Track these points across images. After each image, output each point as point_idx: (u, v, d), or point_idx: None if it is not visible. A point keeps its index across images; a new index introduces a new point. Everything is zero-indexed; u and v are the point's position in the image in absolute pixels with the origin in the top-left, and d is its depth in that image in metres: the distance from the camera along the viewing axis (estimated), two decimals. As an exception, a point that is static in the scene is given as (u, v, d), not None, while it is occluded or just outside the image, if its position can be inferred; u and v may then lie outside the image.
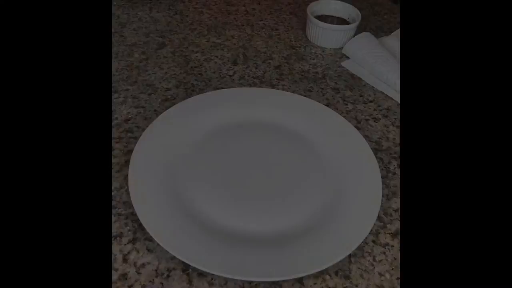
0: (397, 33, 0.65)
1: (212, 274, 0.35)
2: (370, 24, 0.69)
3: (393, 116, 0.53)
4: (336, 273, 0.36)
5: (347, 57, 0.62)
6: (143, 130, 0.46)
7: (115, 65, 0.57)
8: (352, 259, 0.37)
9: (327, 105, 0.53)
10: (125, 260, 0.36)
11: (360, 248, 0.38)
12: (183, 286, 0.35)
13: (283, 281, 0.35)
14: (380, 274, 0.36)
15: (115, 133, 0.47)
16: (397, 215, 0.41)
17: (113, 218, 0.39)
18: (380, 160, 0.47)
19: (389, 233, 0.40)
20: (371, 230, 0.39)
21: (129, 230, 0.38)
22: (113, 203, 0.40)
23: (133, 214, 0.39)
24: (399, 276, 0.36)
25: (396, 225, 0.40)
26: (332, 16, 0.66)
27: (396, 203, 0.42)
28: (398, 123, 0.52)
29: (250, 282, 0.35)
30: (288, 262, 0.35)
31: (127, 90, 0.53)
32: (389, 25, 0.70)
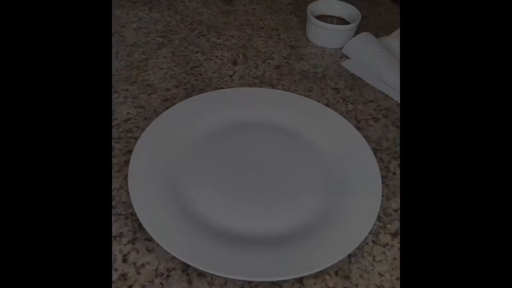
0: (397, 33, 0.65)
1: (212, 274, 0.35)
2: (370, 24, 0.69)
3: (393, 116, 0.53)
4: (336, 273, 0.36)
5: (347, 57, 0.61)
6: (143, 130, 0.46)
7: (115, 65, 0.57)
8: (352, 259, 0.37)
9: (327, 105, 0.53)
10: (124, 260, 0.36)
11: (360, 248, 0.38)
12: (182, 286, 0.35)
13: (283, 281, 0.35)
14: (380, 274, 0.36)
15: (115, 133, 0.47)
16: (397, 215, 0.41)
17: (113, 218, 0.39)
18: (380, 160, 0.47)
19: (389, 233, 0.40)
20: (371, 230, 0.39)
21: (129, 230, 0.38)
22: (113, 203, 0.40)
23: (133, 214, 0.39)
24: (399, 276, 0.36)
25: (396, 225, 0.40)
26: (332, 16, 0.66)
27: (396, 203, 0.42)
28: (398, 123, 0.52)
29: (250, 282, 0.35)
30: (288, 262, 0.35)
31: (127, 90, 0.53)
32: (389, 25, 0.69)
